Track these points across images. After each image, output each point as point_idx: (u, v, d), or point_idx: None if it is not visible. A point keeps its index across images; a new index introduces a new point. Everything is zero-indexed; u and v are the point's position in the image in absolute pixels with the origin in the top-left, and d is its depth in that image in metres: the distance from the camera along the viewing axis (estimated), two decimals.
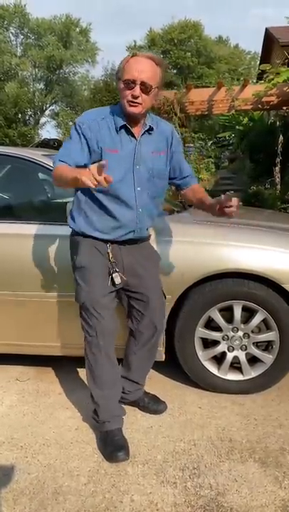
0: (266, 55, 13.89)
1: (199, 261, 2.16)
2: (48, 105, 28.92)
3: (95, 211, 1.85)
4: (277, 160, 7.21)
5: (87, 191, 1.84)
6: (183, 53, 27.87)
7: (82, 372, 1.96)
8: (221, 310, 2.22)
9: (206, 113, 8.54)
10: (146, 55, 1.73)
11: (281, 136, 7.46)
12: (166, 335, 2.28)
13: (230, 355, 2.28)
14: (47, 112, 28.99)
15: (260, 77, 9.09)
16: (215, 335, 2.26)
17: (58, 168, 1.76)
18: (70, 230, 1.94)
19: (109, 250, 1.87)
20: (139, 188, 1.84)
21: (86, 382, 2.02)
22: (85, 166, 1.72)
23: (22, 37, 28.16)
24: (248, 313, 2.23)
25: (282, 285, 2.12)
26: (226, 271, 2.14)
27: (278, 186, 7.38)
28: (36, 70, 27.59)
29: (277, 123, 9.30)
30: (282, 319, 2.17)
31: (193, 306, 2.20)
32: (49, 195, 2.69)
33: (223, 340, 2.27)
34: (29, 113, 27.86)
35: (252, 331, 2.24)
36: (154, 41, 28.91)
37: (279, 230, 2.46)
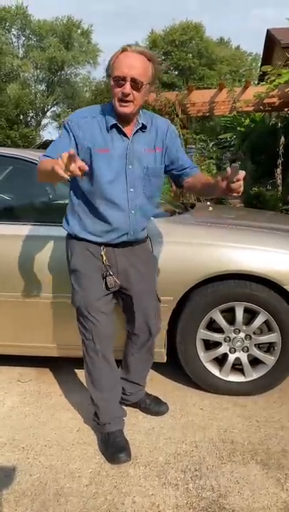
0: (268, 57, 13.91)
1: (201, 262, 2.16)
2: (49, 107, 29.01)
3: (87, 214, 1.81)
4: (279, 161, 7.21)
5: (79, 193, 1.81)
6: (184, 55, 27.91)
7: (83, 374, 1.97)
8: (222, 311, 2.22)
9: (208, 114, 8.54)
10: (137, 50, 1.65)
11: (283, 137, 7.46)
12: (167, 336, 2.28)
13: (231, 357, 2.28)
14: (48, 114, 29.10)
15: (262, 78, 9.09)
16: (217, 336, 2.26)
17: (41, 162, 1.70)
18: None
19: (103, 253, 1.83)
20: (132, 190, 1.78)
21: (85, 384, 2.02)
22: None
23: (24, 38, 28.27)
24: (250, 315, 2.22)
25: (284, 286, 2.12)
26: (227, 272, 2.14)
27: (280, 188, 7.38)
28: (38, 71, 27.68)
29: (279, 124, 9.30)
30: (284, 321, 2.17)
31: (195, 308, 2.20)
32: (51, 197, 2.70)
33: (225, 341, 2.26)
34: (31, 114, 27.94)
35: (254, 333, 2.24)
36: (155, 42, 28.95)
37: (281, 231, 2.45)
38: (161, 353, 2.30)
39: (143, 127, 1.79)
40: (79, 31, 28.44)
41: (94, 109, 1.80)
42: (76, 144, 1.73)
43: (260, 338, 2.24)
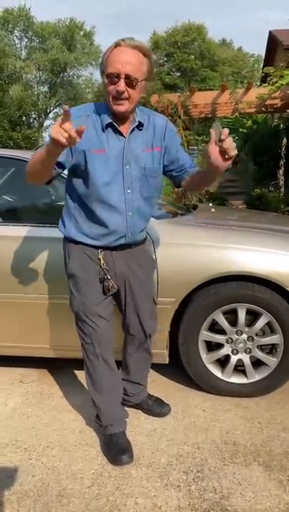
0: (270, 58, 13.92)
1: (203, 264, 2.16)
2: (52, 108, 29.05)
3: (83, 217, 1.76)
4: (281, 163, 7.19)
5: (75, 196, 1.75)
6: (186, 56, 27.97)
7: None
8: (225, 313, 2.22)
9: (210, 116, 8.54)
10: (132, 45, 1.56)
11: (285, 138, 7.44)
12: (170, 337, 2.28)
13: (234, 358, 2.28)
14: (51, 115, 29.13)
15: (264, 79, 9.10)
16: (219, 338, 2.26)
17: (30, 160, 1.61)
18: None
19: (100, 256, 1.79)
20: (129, 191, 1.72)
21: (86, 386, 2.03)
22: (63, 165, 1.64)
23: (26, 40, 28.36)
24: (252, 316, 2.22)
25: (286, 288, 2.12)
26: (229, 274, 2.14)
27: (282, 189, 7.36)
28: (40, 73, 27.74)
29: (281, 126, 9.29)
30: (287, 322, 2.16)
31: (197, 309, 2.20)
32: (53, 198, 2.70)
33: (227, 343, 2.26)
34: (33, 116, 28.01)
35: (256, 334, 2.24)
36: (157, 44, 29.03)
37: (283, 232, 2.45)
38: (163, 355, 2.30)
39: (140, 125, 1.72)
40: (81, 33, 28.51)
41: (88, 107, 1.73)
42: (70, 147, 1.60)
43: (262, 339, 2.24)
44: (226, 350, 2.27)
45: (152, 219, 2.07)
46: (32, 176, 1.64)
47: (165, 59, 29.37)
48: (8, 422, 2.17)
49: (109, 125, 1.67)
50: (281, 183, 7.28)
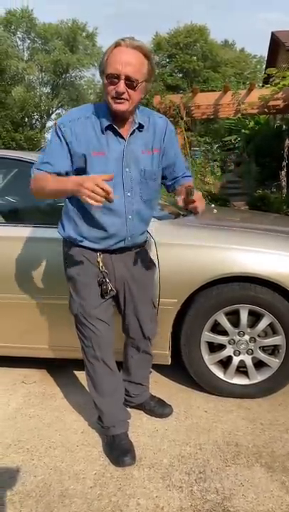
0: (272, 59, 13.90)
1: (205, 265, 2.16)
2: (54, 109, 29.15)
3: (82, 220, 1.74)
4: (284, 164, 7.19)
5: (74, 199, 1.72)
6: (189, 57, 28.00)
7: None
8: (227, 314, 2.22)
9: (212, 117, 8.54)
10: (132, 45, 1.54)
11: (287, 139, 7.44)
12: (172, 338, 2.28)
13: (236, 359, 2.27)
14: (53, 116, 29.23)
15: (266, 81, 9.09)
16: (221, 339, 2.26)
17: (38, 177, 1.62)
18: None
19: (99, 259, 1.77)
20: (129, 194, 1.70)
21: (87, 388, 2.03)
22: (67, 174, 1.65)
23: (29, 41, 28.48)
24: (255, 317, 2.22)
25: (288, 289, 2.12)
26: (231, 275, 2.14)
27: (284, 190, 7.36)
28: (43, 74, 27.84)
29: (284, 127, 9.29)
30: None
31: (200, 310, 2.20)
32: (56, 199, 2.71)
33: (230, 344, 2.26)
34: (36, 117, 28.09)
35: (258, 335, 2.24)
36: (160, 45, 29.07)
37: (285, 233, 2.45)
38: (165, 356, 2.30)
39: (140, 127, 1.70)
40: (84, 34, 28.61)
41: (87, 109, 1.70)
42: (69, 150, 1.64)
43: (264, 340, 2.24)
44: (228, 351, 2.27)
45: (154, 220, 2.07)
46: (40, 197, 1.71)
47: (167, 60, 29.41)
48: (10, 422, 2.18)
49: (109, 127, 1.65)
50: (283, 184, 7.28)
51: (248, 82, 7.67)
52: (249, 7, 64.04)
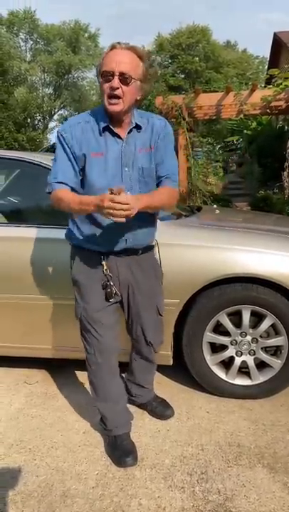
0: (274, 60, 13.90)
1: (207, 265, 2.16)
2: (56, 110, 29.21)
3: (84, 222, 1.76)
4: (286, 164, 7.17)
5: None
6: (191, 58, 27.97)
7: None
8: (229, 314, 2.22)
9: (214, 117, 8.53)
10: (127, 47, 1.62)
11: None
12: (174, 339, 2.28)
13: (238, 360, 2.27)
14: (56, 117, 29.30)
15: (269, 81, 9.08)
16: (223, 339, 2.26)
17: (58, 197, 1.67)
18: None
19: (104, 262, 1.77)
20: (128, 192, 1.66)
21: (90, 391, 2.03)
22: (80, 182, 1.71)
23: (31, 42, 28.54)
24: (257, 318, 2.22)
25: None
26: (233, 275, 2.14)
27: (286, 191, 7.35)
28: (45, 75, 27.89)
29: (286, 127, 9.30)
30: None
31: (202, 311, 2.20)
32: None
33: (232, 344, 2.26)
34: (38, 118, 28.14)
35: (260, 336, 2.24)
36: (162, 46, 29.06)
37: (287, 234, 2.45)
38: (167, 356, 2.30)
39: (138, 128, 1.73)
40: (86, 35, 28.67)
41: (86, 115, 1.76)
42: (74, 157, 1.69)
43: (266, 341, 2.24)
44: (230, 351, 2.27)
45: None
46: (61, 210, 1.71)
47: (169, 61, 29.41)
48: (12, 422, 2.18)
49: (106, 128, 1.69)
50: (286, 184, 7.26)
51: (250, 83, 7.63)
52: (250, 7, 64.12)
